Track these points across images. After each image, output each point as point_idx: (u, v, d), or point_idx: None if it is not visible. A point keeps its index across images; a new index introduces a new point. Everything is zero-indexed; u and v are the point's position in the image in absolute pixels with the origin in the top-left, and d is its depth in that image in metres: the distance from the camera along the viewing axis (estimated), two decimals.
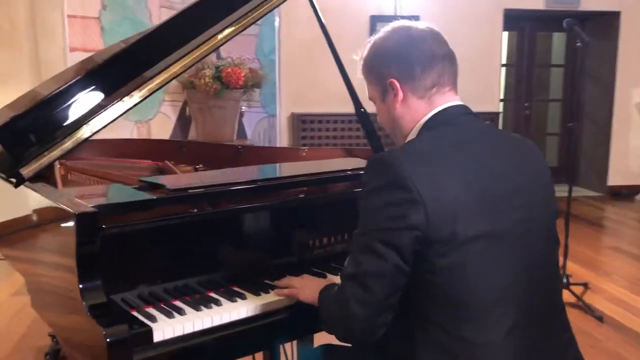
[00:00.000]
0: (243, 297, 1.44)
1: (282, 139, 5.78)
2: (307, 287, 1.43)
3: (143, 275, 1.41)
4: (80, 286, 1.25)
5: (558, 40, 7.08)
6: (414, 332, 1.16)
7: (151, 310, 1.36)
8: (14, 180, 1.54)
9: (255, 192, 1.64)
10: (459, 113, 1.25)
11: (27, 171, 1.55)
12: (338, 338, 1.26)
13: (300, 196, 1.73)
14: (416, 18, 6.17)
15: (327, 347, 1.53)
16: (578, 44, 3.46)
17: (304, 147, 2.50)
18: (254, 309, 1.41)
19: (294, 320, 1.45)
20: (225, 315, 1.37)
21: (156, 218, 1.41)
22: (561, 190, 6.65)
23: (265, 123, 5.69)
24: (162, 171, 2.27)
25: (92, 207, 1.30)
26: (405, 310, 1.17)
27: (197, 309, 1.38)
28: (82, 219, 1.26)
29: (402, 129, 1.29)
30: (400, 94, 1.26)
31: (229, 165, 2.38)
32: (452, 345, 1.11)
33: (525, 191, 1.19)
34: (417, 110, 1.26)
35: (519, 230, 1.15)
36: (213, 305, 1.40)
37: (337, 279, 1.54)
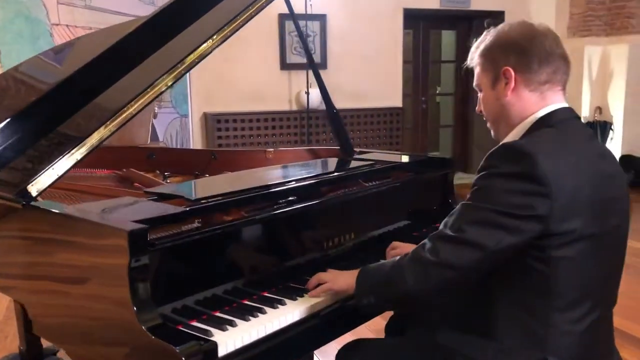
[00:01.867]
0: (283, 303, 1.45)
1: (196, 140, 5.65)
2: (337, 278, 1.47)
3: (176, 289, 1.36)
4: (135, 308, 1.19)
5: (448, 37, 7.56)
6: (497, 311, 1.25)
7: (199, 325, 1.32)
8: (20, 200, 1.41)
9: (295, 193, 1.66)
10: (572, 116, 1.33)
11: (35, 188, 1.42)
12: (392, 299, 1.34)
13: (341, 192, 1.79)
14: (323, 17, 6.31)
15: (354, 345, 1.56)
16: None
17: (269, 150, 2.50)
18: (299, 313, 1.42)
19: (334, 320, 1.48)
20: (275, 322, 1.36)
21: (197, 230, 1.37)
22: (458, 178, 7.16)
23: (177, 124, 5.53)
24: (126, 180, 2.18)
25: (137, 222, 1.24)
26: (487, 288, 1.25)
27: (245, 319, 1.36)
28: (133, 236, 1.20)
29: (509, 117, 1.35)
30: (512, 83, 1.31)
31: (202, 171, 2.34)
32: (540, 331, 1.22)
33: (620, 198, 1.30)
34: (528, 101, 1.32)
35: (614, 234, 1.28)
36: (258, 313, 1.39)
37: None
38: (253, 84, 5.63)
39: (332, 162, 2.12)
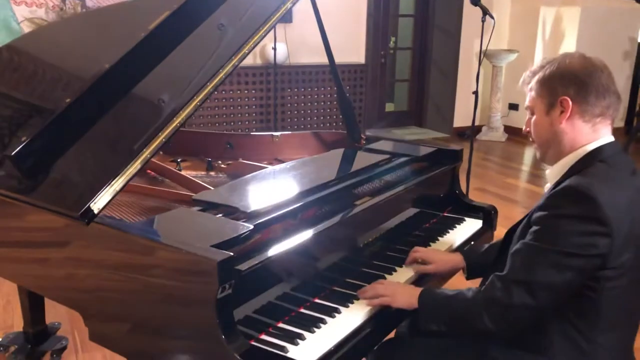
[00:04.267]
0: (339, 311, 1.54)
1: None
2: (396, 295, 1.56)
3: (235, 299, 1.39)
4: (224, 337, 1.25)
5: None
6: (549, 330, 1.39)
7: (272, 339, 1.40)
8: (85, 220, 1.41)
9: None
10: (619, 150, 1.44)
11: (97, 207, 1.42)
12: (466, 332, 1.45)
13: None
14: None
15: (392, 343, 1.68)
16: None
17: (276, 134, 2.52)
18: (357, 319, 1.51)
19: (386, 320, 1.59)
20: (338, 332, 1.45)
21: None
22: (413, 133, 7.35)
23: None
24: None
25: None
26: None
27: (311, 330, 1.44)
28: (223, 266, 1.24)
29: (560, 144, 1.44)
30: (568, 113, 1.40)
31: (216, 158, 2.35)
32: (587, 347, 1.37)
33: None
34: (580, 132, 1.41)
35: None
36: (320, 324, 1.48)
37: (397, 276, 1.75)
38: None
39: (357, 158, 2.18)
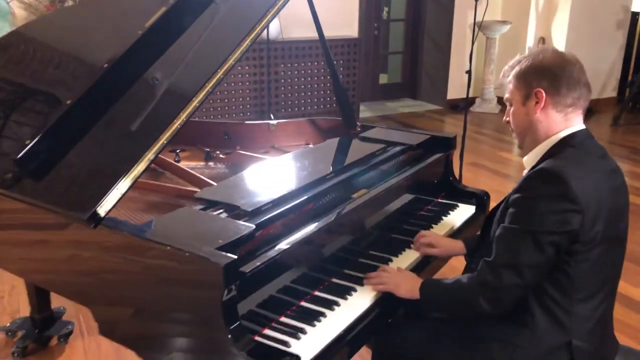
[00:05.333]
0: (337, 304, 1.60)
1: None
2: (400, 284, 1.66)
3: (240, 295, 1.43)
4: (230, 336, 1.31)
5: None
6: (531, 304, 1.50)
7: (274, 334, 1.46)
8: (92, 222, 1.45)
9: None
10: (589, 136, 1.56)
11: (104, 210, 1.47)
12: (465, 316, 1.57)
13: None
14: None
15: (386, 329, 1.76)
16: None
17: (272, 122, 2.56)
18: (355, 311, 1.59)
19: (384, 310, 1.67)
20: (336, 324, 1.52)
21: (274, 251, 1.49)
22: (407, 105, 7.37)
23: None
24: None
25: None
26: None
27: (312, 324, 1.51)
28: (228, 270, 1.30)
29: (536, 132, 1.56)
30: (542, 103, 1.52)
31: (214, 148, 2.39)
32: (565, 318, 1.49)
33: (626, 206, 1.55)
34: (554, 120, 1.54)
35: (623, 236, 1.55)
36: (321, 317, 1.54)
37: (400, 260, 1.85)
38: None
39: (352, 148, 2.22)
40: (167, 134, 1.58)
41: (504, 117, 1.67)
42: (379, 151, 2.17)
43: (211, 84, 1.69)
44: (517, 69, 1.58)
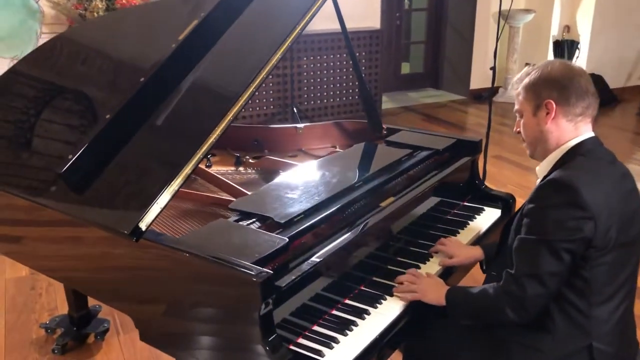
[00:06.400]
0: (368, 313, 1.66)
1: None
2: (427, 291, 1.71)
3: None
4: (267, 348, 1.38)
5: None
6: (551, 309, 1.54)
7: (309, 343, 1.53)
8: (133, 237, 1.52)
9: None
10: (599, 143, 1.61)
11: (145, 224, 1.53)
12: (493, 323, 1.62)
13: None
14: None
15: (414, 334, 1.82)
16: None
17: (299, 126, 2.61)
18: (385, 320, 1.64)
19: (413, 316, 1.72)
20: (368, 333, 1.58)
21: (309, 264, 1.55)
22: (429, 95, 7.35)
23: None
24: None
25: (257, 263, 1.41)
26: None
27: (344, 333, 1.57)
28: (265, 285, 1.36)
29: (547, 142, 1.61)
30: (553, 113, 1.57)
31: (243, 152, 2.45)
32: (584, 321, 1.53)
33: (638, 208, 1.58)
34: (564, 130, 1.59)
35: (637, 239, 1.58)
36: (352, 326, 1.60)
37: (428, 266, 1.90)
38: None
39: (380, 154, 2.26)
40: (205, 147, 1.63)
41: (515, 128, 1.72)
42: (405, 157, 2.21)
43: (249, 92, 1.73)
44: (526, 81, 1.63)
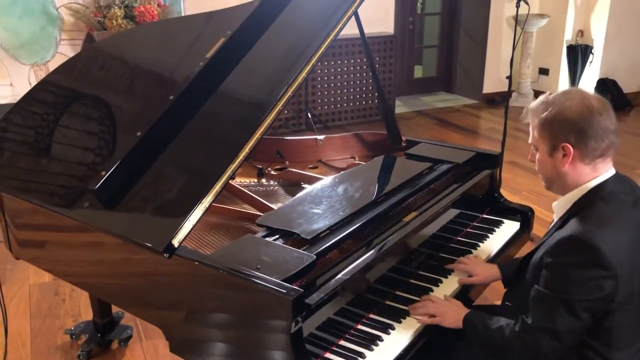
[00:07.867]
0: (392, 328, 1.70)
1: None
2: (446, 314, 1.72)
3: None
4: None
5: None
6: (570, 353, 1.54)
7: (335, 358, 1.57)
8: (167, 254, 1.56)
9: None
10: (619, 181, 1.55)
11: (177, 240, 1.57)
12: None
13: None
14: None
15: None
16: None
17: (319, 137, 2.65)
18: (410, 335, 1.68)
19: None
20: (393, 348, 1.62)
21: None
22: (442, 99, 7.37)
23: None
24: None
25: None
26: None
27: (370, 348, 1.61)
28: (296, 304, 1.40)
29: (565, 184, 1.57)
30: (570, 158, 1.51)
31: (266, 161, 2.50)
32: None
33: None
34: (582, 173, 1.53)
35: None
36: (377, 341, 1.64)
37: (449, 280, 1.93)
38: None
39: (400, 168, 2.29)
40: (237, 161, 1.67)
41: (529, 157, 1.66)
42: (426, 171, 2.25)
43: (280, 105, 1.81)
44: (542, 116, 1.54)
